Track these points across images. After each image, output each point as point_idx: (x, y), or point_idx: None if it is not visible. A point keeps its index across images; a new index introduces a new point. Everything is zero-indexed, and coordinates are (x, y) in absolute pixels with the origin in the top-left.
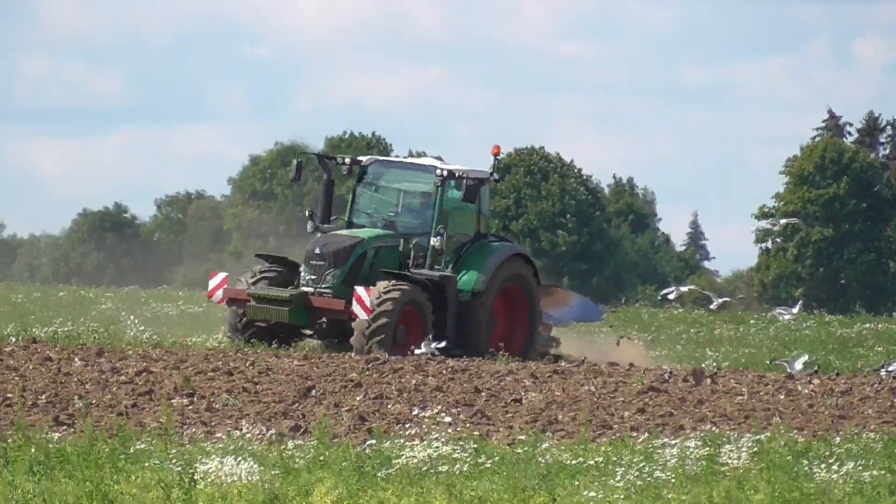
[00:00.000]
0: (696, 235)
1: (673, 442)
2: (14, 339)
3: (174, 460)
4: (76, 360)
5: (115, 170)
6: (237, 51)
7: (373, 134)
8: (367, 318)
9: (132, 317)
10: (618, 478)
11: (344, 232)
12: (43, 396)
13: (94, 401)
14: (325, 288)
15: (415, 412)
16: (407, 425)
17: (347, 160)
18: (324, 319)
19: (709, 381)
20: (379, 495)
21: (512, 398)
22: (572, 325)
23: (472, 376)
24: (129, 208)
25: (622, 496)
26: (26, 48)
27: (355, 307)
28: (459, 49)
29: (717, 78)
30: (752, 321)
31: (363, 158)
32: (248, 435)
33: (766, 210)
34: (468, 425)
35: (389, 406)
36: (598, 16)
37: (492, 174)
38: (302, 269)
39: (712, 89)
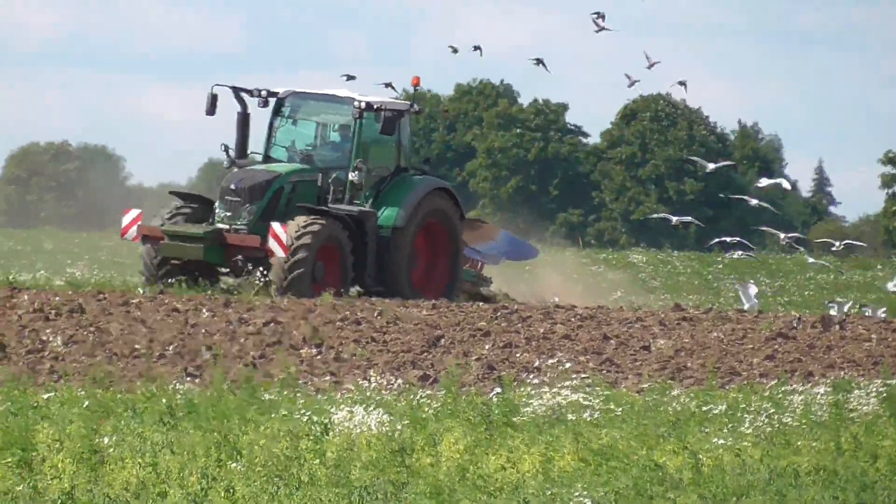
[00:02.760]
0: (821, 181)
1: (801, 388)
2: (141, 291)
3: (302, 410)
4: (204, 311)
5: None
6: None
7: (501, 81)
8: (283, 255)
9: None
10: (746, 424)
11: (260, 167)
12: (171, 348)
13: (221, 352)
14: (240, 224)
15: (543, 361)
16: (534, 374)
17: (264, 92)
18: (239, 257)
19: (837, 327)
20: (507, 444)
21: (640, 345)
22: (503, 262)
23: (600, 323)
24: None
25: (751, 443)
26: None
27: (271, 244)
28: None
29: (835, 20)
30: (878, 266)
31: (280, 90)
32: (377, 385)
33: (892, 155)
34: (597, 374)
35: (518, 355)
36: None
37: (412, 105)
38: (217, 205)
39: (830, 32)
